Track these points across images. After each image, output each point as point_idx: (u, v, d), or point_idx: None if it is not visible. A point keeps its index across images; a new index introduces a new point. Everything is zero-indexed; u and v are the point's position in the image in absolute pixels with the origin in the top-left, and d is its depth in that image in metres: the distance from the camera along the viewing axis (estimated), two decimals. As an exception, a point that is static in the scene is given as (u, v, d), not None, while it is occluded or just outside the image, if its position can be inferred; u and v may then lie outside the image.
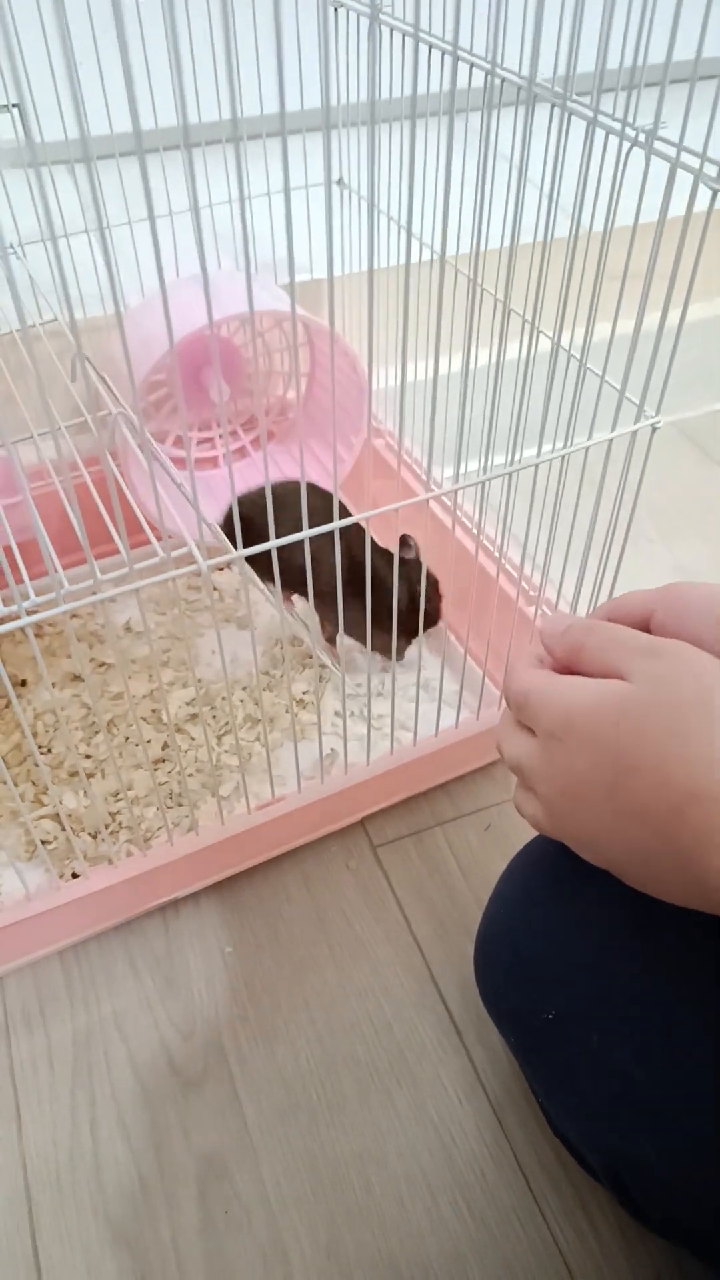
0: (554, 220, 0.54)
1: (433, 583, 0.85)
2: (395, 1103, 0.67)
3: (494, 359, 0.58)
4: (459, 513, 0.89)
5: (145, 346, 0.82)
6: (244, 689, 0.90)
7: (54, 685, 0.90)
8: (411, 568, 0.82)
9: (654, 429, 0.61)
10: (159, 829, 0.79)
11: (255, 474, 0.98)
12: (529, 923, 0.57)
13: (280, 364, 0.98)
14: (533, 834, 0.65)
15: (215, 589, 1.01)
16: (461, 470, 0.63)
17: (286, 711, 0.89)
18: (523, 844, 0.66)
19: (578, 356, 0.61)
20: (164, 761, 0.84)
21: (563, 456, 0.61)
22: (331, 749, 0.85)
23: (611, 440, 0.61)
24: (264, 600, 0.98)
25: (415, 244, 0.62)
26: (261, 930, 0.76)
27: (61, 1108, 0.67)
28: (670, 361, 0.59)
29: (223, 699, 0.89)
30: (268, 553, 0.56)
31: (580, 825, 0.42)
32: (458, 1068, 0.69)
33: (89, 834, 0.79)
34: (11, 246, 0.84)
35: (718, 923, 0.47)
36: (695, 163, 0.48)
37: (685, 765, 0.37)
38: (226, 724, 0.87)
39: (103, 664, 0.92)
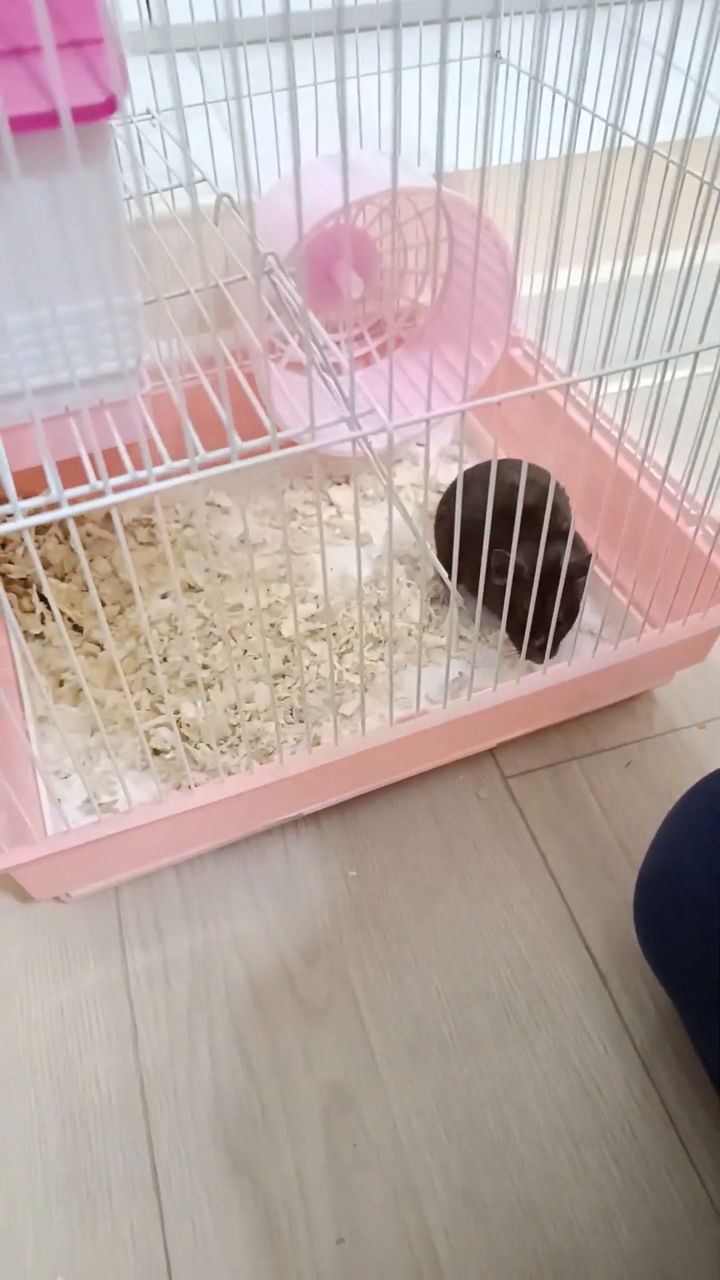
0: None
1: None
2: (534, 1045, 0.62)
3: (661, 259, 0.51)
4: (600, 416, 0.82)
5: (274, 234, 0.76)
6: (370, 606, 0.85)
7: (164, 596, 0.86)
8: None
9: None
10: (281, 744, 0.74)
11: (380, 381, 0.92)
12: (710, 862, 0.51)
13: (415, 262, 0.91)
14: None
15: (332, 504, 0.95)
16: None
17: (410, 634, 0.83)
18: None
19: None
20: (284, 677, 0.80)
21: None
22: (460, 673, 0.80)
23: None
24: (385, 519, 0.93)
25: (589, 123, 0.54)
26: (387, 857, 0.72)
27: (179, 1028, 0.63)
28: None
29: (345, 614, 0.84)
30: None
31: None
32: (601, 1013, 0.64)
33: (207, 745, 0.74)
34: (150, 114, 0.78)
35: None
36: None
37: None
38: (348, 641, 0.82)
39: (220, 575, 0.88)
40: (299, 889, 0.70)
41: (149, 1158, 0.59)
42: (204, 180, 0.65)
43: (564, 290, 0.53)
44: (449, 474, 0.98)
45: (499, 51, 0.82)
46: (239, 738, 0.75)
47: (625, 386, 0.58)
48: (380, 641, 0.83)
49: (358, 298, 0.85)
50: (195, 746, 0.74)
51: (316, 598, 0.85)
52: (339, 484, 0.97)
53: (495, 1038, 0.63)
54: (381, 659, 0.81)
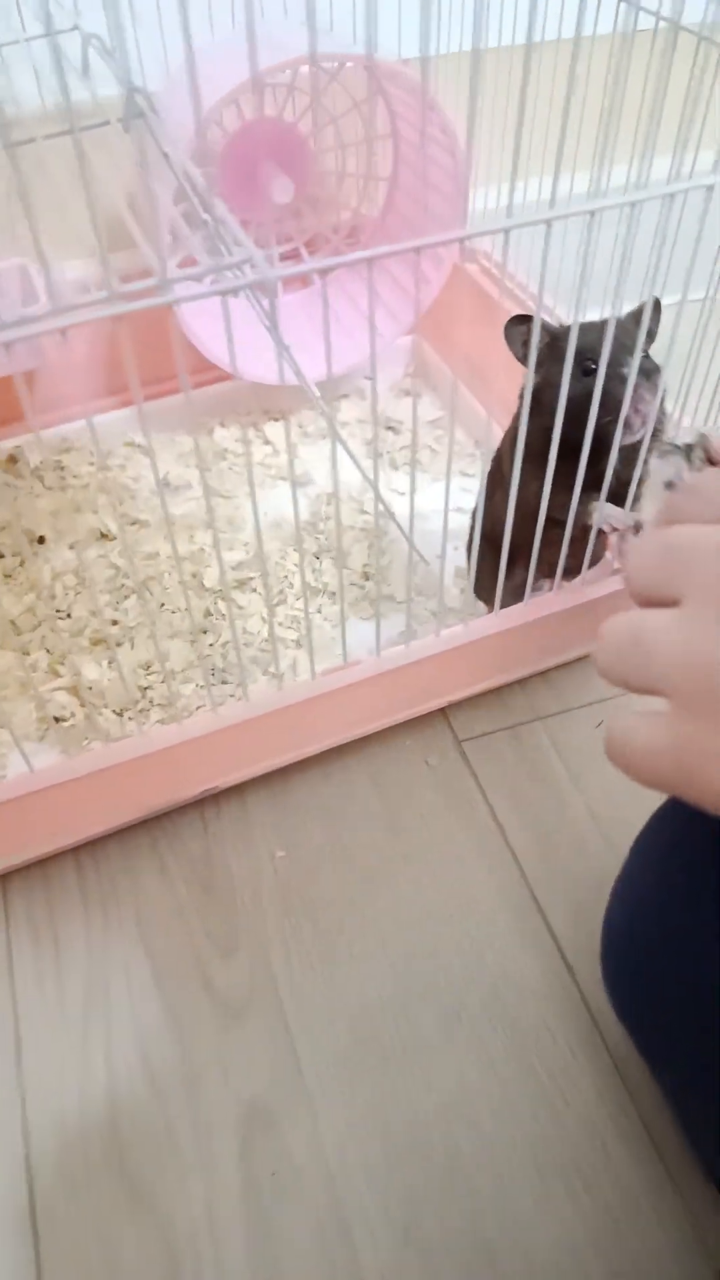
0: None
1: None
2: (490, 1050, 0.53)
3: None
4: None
5: (181, 131, 0.65)
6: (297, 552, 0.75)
7: (72, 546, 0.75)
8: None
9: None
10: (198, 708, 0.65)
11: (318, 303, 0.82)
12: (699, 926, 0.41)
13: (356, 164, 0.81)
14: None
15: (267, 441, 0.85)
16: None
17: (354, 584, 0.73)
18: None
19: None
20: (206, 633, 0.70)
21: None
22: (409, 625, 0.70)
23: None
24: (327, 458, 0.83)
25: None
26: (321, 834, 0.62)
27: (71, 1035, 0.54)
28: None
29: (279, 562, 0.74)
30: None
31: None
32: (568, 1011, 0.54)
33: (113, 711, 0.64)
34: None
35: None
36: None
37: None
38: (281, 593, 0.72)
39: (134, 521, 0.78)
40: (218, 872, 0.60)
41: (26, 1188, 0.49)
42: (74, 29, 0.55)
43: (525, 201, 0.44)
44: (401, 410, 0.88)
45: None
46: (151, 702, 0.65)
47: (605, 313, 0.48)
48: (320, 592, 0.73)
49: (286, 202, 0.75)
50: (99, 712, 0.64)
51: (246, 545, 0.75)
52: (275, 419, 0.87)
53: (444, 1042, 0.53)
54: (319, 611, 0.71)
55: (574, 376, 0.46)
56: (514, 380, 0.52)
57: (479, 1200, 0.48)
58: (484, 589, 0.62)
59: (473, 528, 0.58)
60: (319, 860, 0.61)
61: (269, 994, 0.55)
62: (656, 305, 0.51)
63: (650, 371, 0.51)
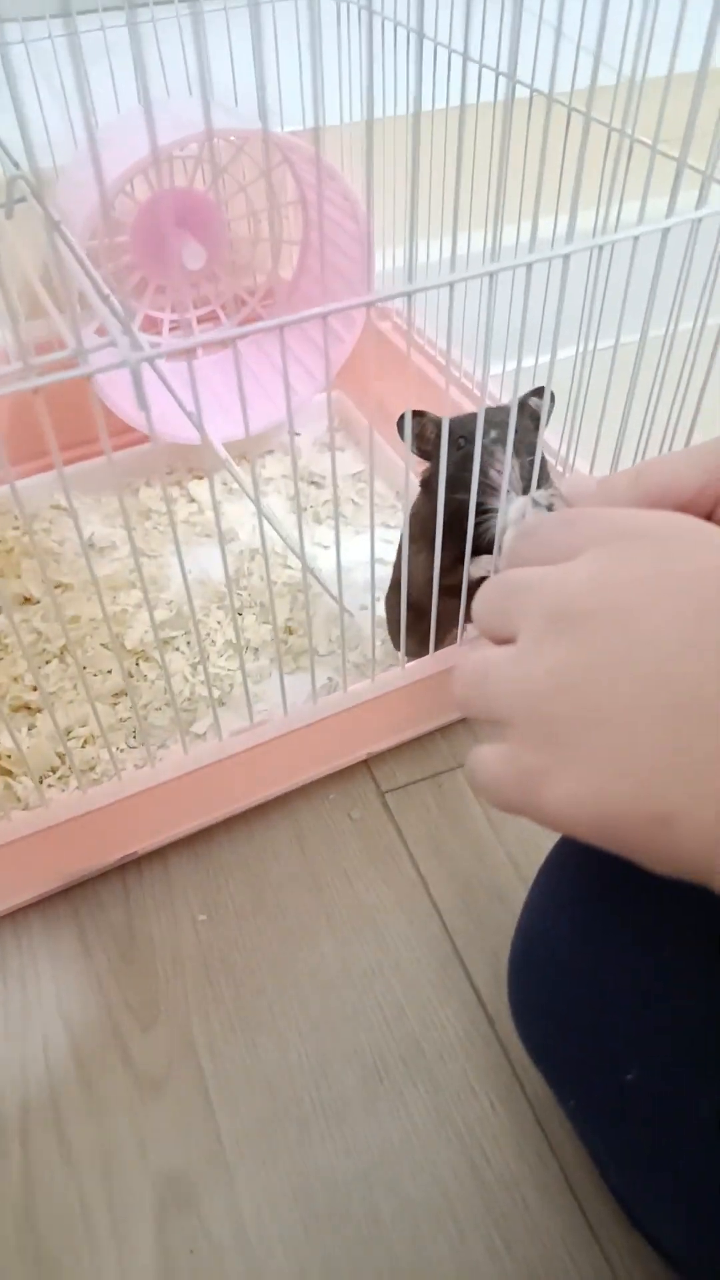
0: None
1: None
2: (410, 1108, 0.53)
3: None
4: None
5: (81, 207, 0.66)
6: (221, 609, 0.76)
7: None
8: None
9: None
10: (120, 771, 0.64)
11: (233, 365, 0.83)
12: (592, 953, 0.41)
13: (267, 229, 0.83)
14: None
15: (192, 500, 0.86)
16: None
17: (278, 637, 0.74)
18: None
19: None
20: (125, 695, 0.70)
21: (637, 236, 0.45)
22: (329, 678, 0.70)
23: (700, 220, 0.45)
24: (251, 515, 0.84)
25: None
26: (243, 896, 0.62)
27: (-14, 1116, 0.53)
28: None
29: (202, 619, 0.74)
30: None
31: (593, 704, 0.28)
32: (489, 1063, 0.54)
33: (31, 779, 0.64)
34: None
35: None
36: None
37: None
38: (204, 651, 0.72)
39: (59, 585, 0.78)
40: (139, 939, 0.60)
41: (-62, 1287, 0.48)
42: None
43: (428, 262, 0.46)
44: (322, 464, 0.90)
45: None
46: (69, 768, 0.65)
47: (510, 367, 0.50)
48: (244, 648, 0.73)
49: (199, 268, 0.76)
50: (17, 780, 0.64)
51: (169, 603, 0.76)
52: (200, 477, 0.88)
53: (364, 1104, 0.53)
54: (239, 669, 0.72)
55: (451, 457, 0.48)
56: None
57: (398, 1265, 0.48)
58: (396, 639, 0.64)
59: (391, 581, 0.60)
60: (241, 923, 0.60)
61: (189, 1063, 0.54)
62: (539, 393, 0.54)
63: (502, 439, 0.52)
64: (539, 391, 0.55)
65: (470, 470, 0.49)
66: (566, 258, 0.44)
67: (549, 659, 0.29)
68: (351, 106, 0.76)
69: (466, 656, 0.33)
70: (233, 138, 0.73)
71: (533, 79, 0.57)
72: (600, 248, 0.45)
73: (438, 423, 0.54)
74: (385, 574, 0.75)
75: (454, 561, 0.53)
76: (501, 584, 0.32)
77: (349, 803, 0.67)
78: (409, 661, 0.60)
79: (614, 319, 0.52)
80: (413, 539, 0.58)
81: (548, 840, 0.50)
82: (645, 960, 0.39)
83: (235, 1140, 0.52)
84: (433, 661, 0.59)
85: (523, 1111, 0.52)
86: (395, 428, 0.54)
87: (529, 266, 0.43)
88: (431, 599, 0.55)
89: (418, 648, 0.62)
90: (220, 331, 0.39)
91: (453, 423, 0.47)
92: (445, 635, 0.61)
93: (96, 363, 0.36)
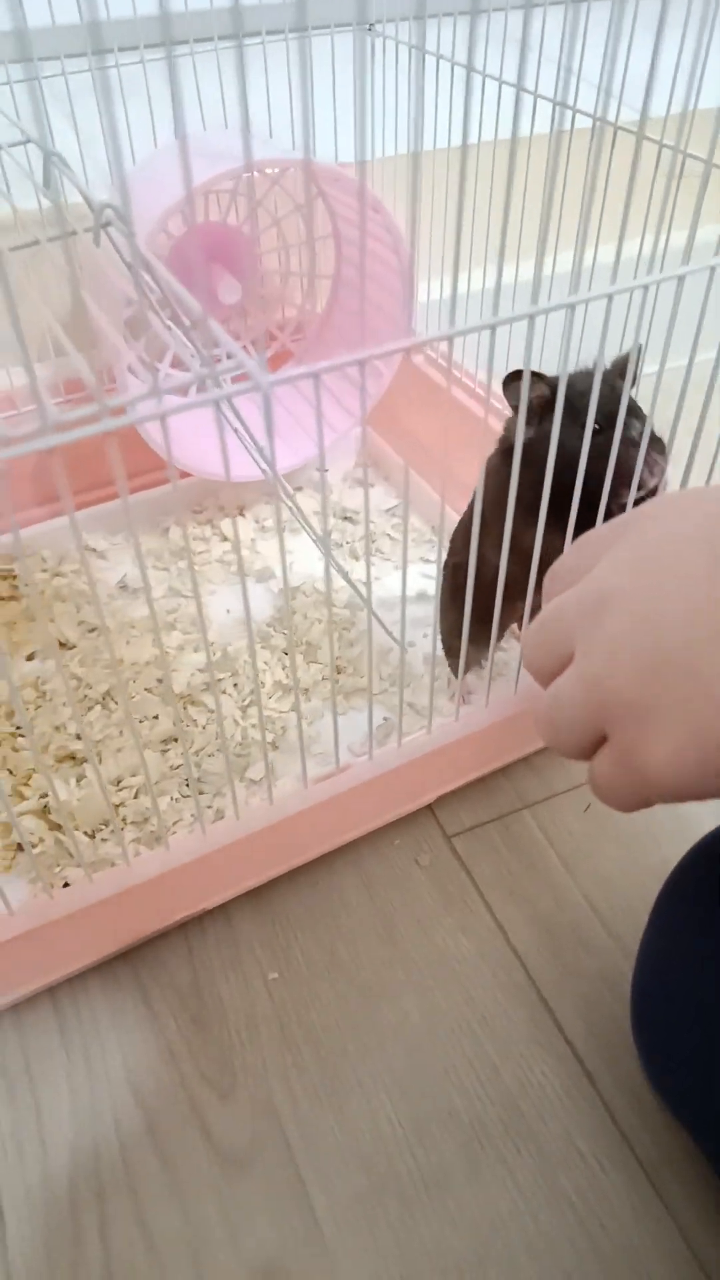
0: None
1: None
2: (516, 1175, 0.49)
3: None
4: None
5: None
6: (267, 649, 0.73)
7: (29, 657, 0.72)
8: None
9: None
10: (175, 823, 0.61)
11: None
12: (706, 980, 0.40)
13: (300, 263, 0.82)
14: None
15: (225, 538, 0.83)
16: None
17: (325, 679, 0.71)
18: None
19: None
20: (175, 741, 0.67)
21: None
22: (385, 718, 0.68)
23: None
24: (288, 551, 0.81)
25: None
26: (314, 950, 0.59)
27: (58, 1204, 0.49)
28: None
29: (246, 661, 0.71)
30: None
31: (658, 657, 0.28)
32: (593, 1123, 0.51)
33: (85, 833, 0.61)
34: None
35: None
36: None
37: None
38: (251, 693, 0.70)
39: (93, 629, 0.75)
40: (208, 1002, 0.56)
41: None
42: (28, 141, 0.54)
43: (470, 292, 0.44)
44: (354, 499, 0.88)
45: (372, 24, 0.74)
46: (124, 820, 0.61)
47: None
48: (289, 689, 0.71)
49: (233, 303, 0.75)
50: (70, 833, 0.60)
51: (212, 644, 0.73)
52: (231, 517, 0.86)
53: (467, 1172, 0.50)
54: (291, 709, 0.69)
55: (577, 435, 0.46)
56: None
57: None
58: (453, 649, 0.62)
59: (440, 589, 0.56)
60: (314, 979, 0.57)
61: (274, 1136, 0.51)
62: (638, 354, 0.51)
63: (658, 437, 0.51)
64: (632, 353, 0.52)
65: (601, 455, 0.47)
66: (610, 298, 0.43)
67: (601, 643, 0.30)
68: (396, 139, 0.75)
69: (537, 703, 0.33)
70: (270, 170, 0.72)
71: (575, 101, 0.56)
72: (645, 287, 0.44)
73: (552, 385, 0.50)
74: (426, 610, 0.73)
75: (556, 535, 0.50)
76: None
77: (415, 848, 0.64)
78: (466, 672, 0.58)
79: (659, 348, 0.50)
80: (500, 510, 0.50)
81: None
82: None
83: (333, 1217, 0.48)
84: (517, 698, 0.57)
85: (634, 1171, 0.49)
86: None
87: (570, 308, 0.42)
88: (511, 585, 0.51)
89: (476, 653, 0.59)
90: (302, 369, 0.37)
91: (574, 393, 0.44)
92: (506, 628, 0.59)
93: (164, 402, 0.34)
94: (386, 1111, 0.52)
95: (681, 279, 0.44)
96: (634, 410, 0.49)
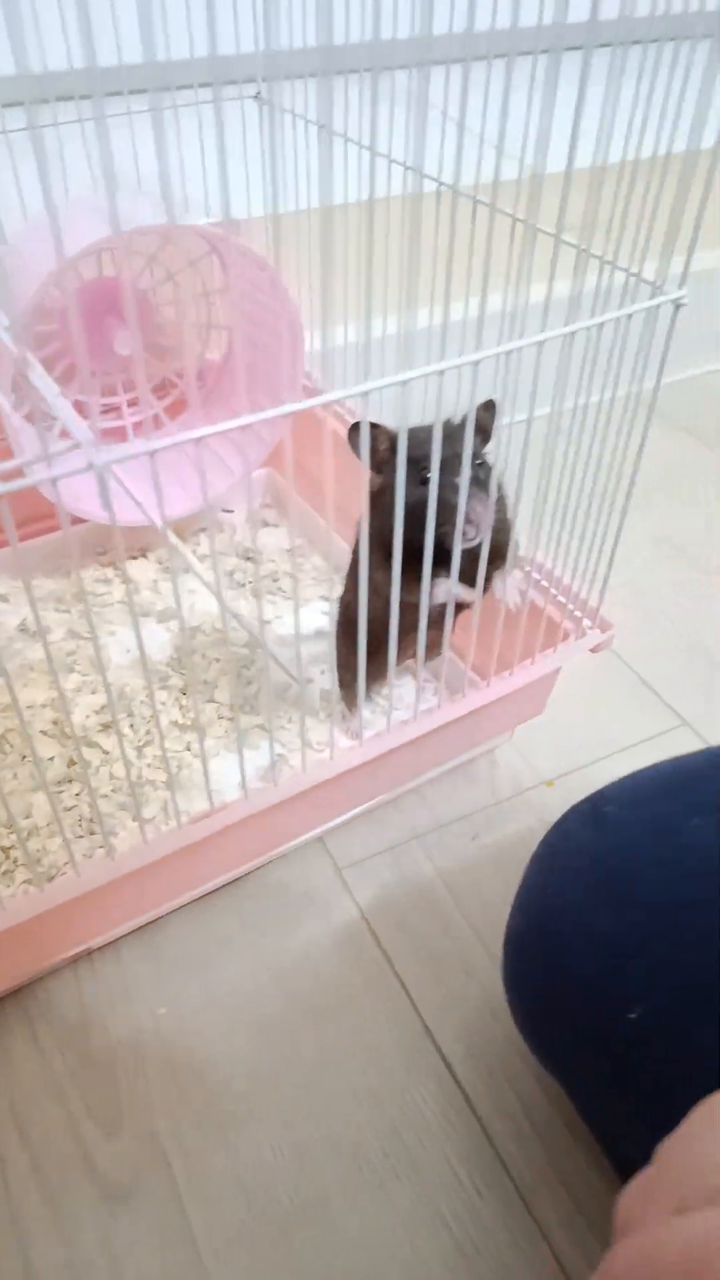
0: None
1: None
2: (394, 1200, 0.51)
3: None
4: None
5: (18, 287, 0.66)
6: (164, 689, 0.74)
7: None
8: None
9: (677, 305, 0.49)
10: (65, 864, 0.62)
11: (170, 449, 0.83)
12: (600, 900, 0.44)
13: (196, 315, 0.84)
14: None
15: (128, 580, 0.84)
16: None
17: (220, 718, 0.73)
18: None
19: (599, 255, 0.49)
20: (70, 782, 0.67)
21: (569, 334, 0.48)
22: (280, 754, 0.70)
23: (630, 315, 0.48)
24: (188, 592, 0.83)
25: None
26: (202, 985, 0.60)
27: (-62, 1250, 0.49)
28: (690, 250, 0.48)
29: (142, 701, 0.73)
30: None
31: None
32: (470, 1146, 0.53)
33: (-26, 875, 0.61)
34: None
35: None
36: None
37: None
38: (147, 733, 0.71)
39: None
40: (95, 1038, 0.57)
41: None
42: None
43: (348, 342, 0.47)
44: (258, 539, 0.90)
45: (259, 94, 0.78)
46: (14, 862, 0.62)
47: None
48: (186, 728, 0.72)
49: (130, 355, 0.77)
50: (-41, 877, 0.61)
51: (111, 685, 0.74)
52: (135, 558, 0.87)
53: (347, 1198, 0.51)
54: (189, 748, 0.70)
55: (411, 484, 0.48)
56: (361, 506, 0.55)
57: None
58: (345, 682, 0.64)
59: (338, 622, 0.59)
60: (202, 1014, 0.58)
61: (159, 1169, 0.52)
62: (489, 406, 0.54)
63: (483, 480, 0.53)
64: (489, 405, 0.55)
65: (432, 511, 0.49)
66: (507, 354, 0.46)
67: None
68: (261, 197, 0.78)
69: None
70: (154, 235, 0.74)
71: (439, 172, 0.60)
72: (509, 352, 0.47)
73: (392, 437, 0.53)
74: (325, 647, 0.76)
75: (414, 581, 0.52)
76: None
77: (305, 881, 0.65)
78: (353, 703, 0.60)
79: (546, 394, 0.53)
80: (370, 555, 0.53)
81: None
82: (644, 908, 0.42)
83: (214, 1248, 0.49)
84: (389, 734, 0.59)
85: (508, 1193, 0.51)
86: (349, 443, 0.52)
87: (476, 364, 0.45)
88: (386, 625, 0.54)
89: (368, 684, 0.61)
90: (181, 435, 0.39)
91: (411, 440, 0.47)
92: (401, 659, 0.61)
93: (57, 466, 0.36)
94: (271, 1142, 0.53)
95: (541, 344, 0.47)
96: (474, 461, 0.52)
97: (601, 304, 0.49)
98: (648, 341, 0.50)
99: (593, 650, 0.65)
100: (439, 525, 0.50)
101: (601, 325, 0.48)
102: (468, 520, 0.51)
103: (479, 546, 0.53)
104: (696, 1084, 0.37)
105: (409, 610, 0.54)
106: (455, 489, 0.50)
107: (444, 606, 0.56)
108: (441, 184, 0.61)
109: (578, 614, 0.65)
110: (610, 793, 0.49)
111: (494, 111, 0.46)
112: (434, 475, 0.48)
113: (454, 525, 0.51)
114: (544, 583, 0.66)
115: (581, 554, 0.61)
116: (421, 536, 0.50)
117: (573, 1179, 0.51)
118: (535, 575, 0.66)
